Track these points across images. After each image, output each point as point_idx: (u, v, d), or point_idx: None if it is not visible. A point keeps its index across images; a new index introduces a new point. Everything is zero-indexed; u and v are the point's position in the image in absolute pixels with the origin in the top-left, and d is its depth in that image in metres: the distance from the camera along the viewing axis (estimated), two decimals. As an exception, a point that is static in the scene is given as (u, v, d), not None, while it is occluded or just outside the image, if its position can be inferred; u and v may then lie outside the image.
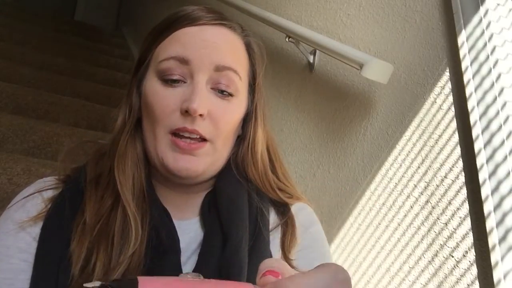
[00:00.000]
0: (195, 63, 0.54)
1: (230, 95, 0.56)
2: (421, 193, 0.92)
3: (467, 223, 0.81)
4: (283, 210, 0.62)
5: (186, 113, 0.52)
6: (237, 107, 0.57)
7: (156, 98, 0.54)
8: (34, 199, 0.56)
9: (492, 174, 0.76)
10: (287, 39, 1.38)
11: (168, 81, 0.54)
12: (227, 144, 0.58)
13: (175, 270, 0.52)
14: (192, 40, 0.55)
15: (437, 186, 0.88)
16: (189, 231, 0.57)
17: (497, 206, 0.74)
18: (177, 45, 0.55)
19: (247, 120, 0.61)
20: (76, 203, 0.55)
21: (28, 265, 0.51)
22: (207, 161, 0.54)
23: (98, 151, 0.61)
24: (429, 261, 0.87)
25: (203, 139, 0.53)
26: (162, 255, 0.52)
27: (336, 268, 0.26)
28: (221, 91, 0.55)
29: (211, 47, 0.54)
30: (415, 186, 0.94)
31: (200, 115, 0.52)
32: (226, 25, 0.58)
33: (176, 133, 0.53)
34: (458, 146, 0.86)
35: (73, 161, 0.63)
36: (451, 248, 0.83)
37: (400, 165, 0.98)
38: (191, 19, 0.56)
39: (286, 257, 0.57)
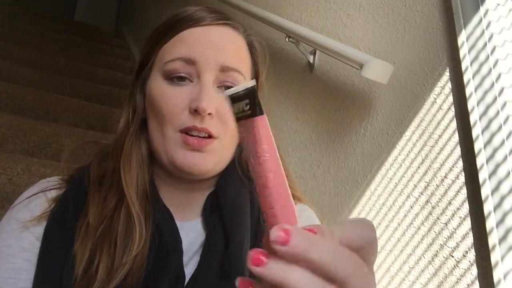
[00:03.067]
0: (201, 63, 0.54)
1: None
2: (421, 193, 0.92)
3: (467, 223, 0.81)
4: None
5: (195, 112, 0.52)
6: None
7: (163, 98, 0.54)
8: (38, 199, 0.57)
9: (492, 174, 0.76)
10: (287, 39, 1.38)
11: (174, 79, 0.55)
12: (233, 142, 0.58)
13: (177, 270, 0.52)
14: (198, 41, 0.55)
15: (437, 186, 0.88)
16: (191, 232, 0.57)
17: (497, 206, 0.74)
18: (182, 46, 0.55)
19: None
20: (80, 203, 0.55)
21: (31, 265, 0.52)
22: (215, 157, 0.55)
23: (101, 152, 0.61)
24: (429, 261, 0.87)
25: (211, 136, 0.54)
26: (165, 256, 0.53)
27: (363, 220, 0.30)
28: (228, 88, 0.55)
29: (216, 48, 0.55)
30: (415, 186, 0.94)
31: (209, 113, 0.52)
32: (229, 24, 0.59)
33: (186, 131, 0.53)
34: (458, 146, 0.86)
35: (75, 161, 0.63)
36: (451, 248, 0.83)
37: (400, 165, 0.98)
38: (195, 20, 0.56)
39: None
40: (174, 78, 0.55)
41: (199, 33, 0.56)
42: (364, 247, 0.28)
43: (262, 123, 0.28)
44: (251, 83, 0.28)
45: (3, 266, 0.51)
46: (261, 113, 0.28)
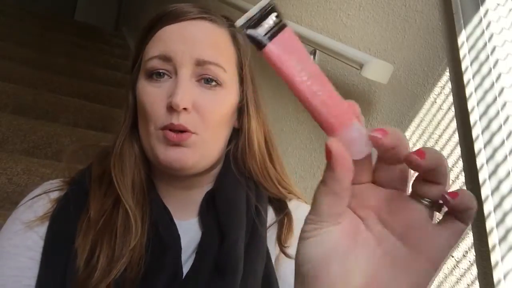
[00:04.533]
0: (177, 59, 0.54)
1: (217, 85, 0.56)
2: (421, 193, 0.92)
3: (467, 223, 0.81)
4: (281, 206, 0.63)
5: (171, 108, 0.52)
6: (224, 98, 0.57)
7: (145, 96, 0.55)
8: (41, 200, 0.58)
9: (492, 174, 0.76)
10: (287, 39, 1.38)
11: (153, 77, 0.55)
12: (218, 136, 0.58)
13: (175, 267, 0.53)
14: (173, 37, 0.56)
15: (437, 186, 0.88)
16: (188, 231, 0.58)
17: (497, 206, 0.74)
18: (159, 44, 0.56)
19: (241, 112, 0.61)
20: (81, 203, 0.56)
21: (35, 263, 0.53)
22: (195, 153, 0.54)
23: (102, 152, 0.63)
24: (429, 261, 0.87)
25: (189, 132, 0.54)
26: (163, 251, 0.54)
27: None
28: (207, 81, 0.55)
29: (190, 43, 0.55)
30: (415, 186, 0.93)
31: (185, 108, 0.52)
32: (206, 18, 0.58)
33: (165, 129, 0.54)
34: (458, 146, 0.86)
35: (76, 163, 0.64)
36: (451, 248, 0.83)
37: (400, 165, 0.98)
38: (172, 17, 0.57)
39: (281, 247, 0.58)
40: (153, 76, 0.55)
41: (174, 29, 0.56)
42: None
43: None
44: (263, 2, 0.28)
45: (9, 265, 0.52)
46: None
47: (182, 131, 0.53)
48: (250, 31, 0.28)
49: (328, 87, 0.28)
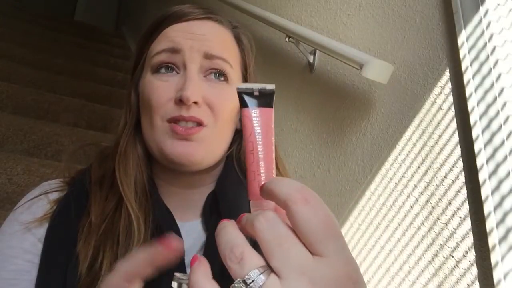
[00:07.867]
0: (185, 52, 0.55)
1: (224, 79, 0.56)
2: (421, 193, 0.92)
3: (467, 223, 0.81)
4: None
5: (180, 102, 0.52)
6: (231, 94, 0.57)
7: (151, 90, 0.55)
8: (40, 201, 0.57)
9: (492, 173, 0.76)
10: (287, 39, 1.38)
11: (161, 71, 0.55)
12: (225, 133, 0.58)
13: (180, 270, 0.53)
14: (181, 34, 0.56)
15: (437, 186, 0.88)
16: (191, 233, 0.57)
17: (497, 206, 0.74)
18: (167, 40, 0.56)
19: None
20: (82, 204, 0.55)
21: (33, 266, 0.52)
22: (204, 147, 0.54)
23: (101, 153, 0.62)
24: (429, 261, 0.87)
25: (200, 124, 0.54)
26: None
27: None
28: (215, 75, 0.56)
29: (199, 39, 0.56)
30: (415, 186, 0.94)
31: (195, 102, 0.53)
32: (212, 18, 0.59)
33: (173, 121, 0.53)
34: (458, 146, 0.86)
35: (75, 162, 0.63)
36: (451, 248, 0.83)
37: (400, 165, 0.98)
38: (179, 16, 0.58)
39: None
40: (160, 69, 0.55)
41: (182, 27, 0.57)
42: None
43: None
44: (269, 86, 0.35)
45: (5, 268, 0.51)
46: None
47: (195, 122, 0.53)
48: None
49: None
